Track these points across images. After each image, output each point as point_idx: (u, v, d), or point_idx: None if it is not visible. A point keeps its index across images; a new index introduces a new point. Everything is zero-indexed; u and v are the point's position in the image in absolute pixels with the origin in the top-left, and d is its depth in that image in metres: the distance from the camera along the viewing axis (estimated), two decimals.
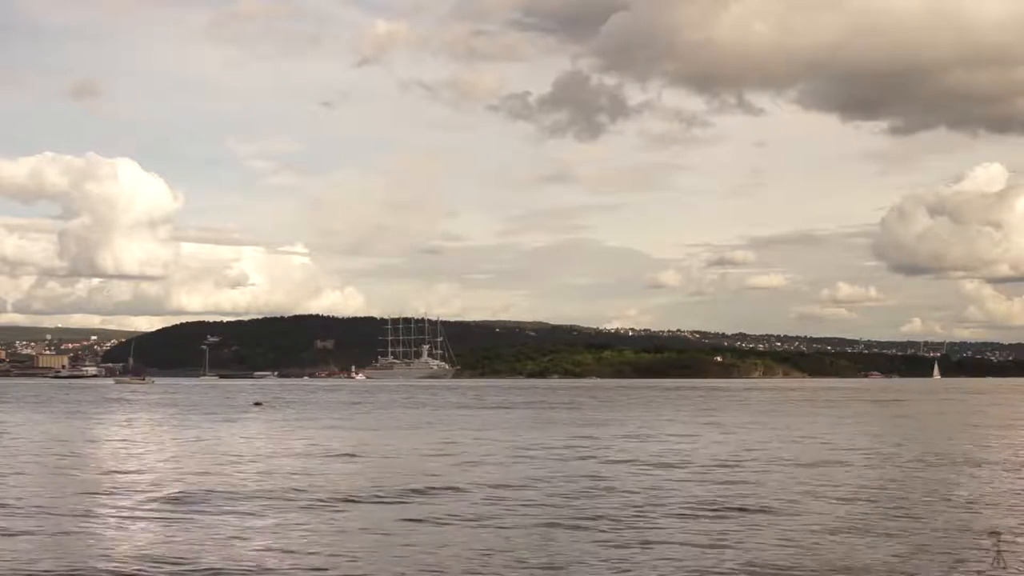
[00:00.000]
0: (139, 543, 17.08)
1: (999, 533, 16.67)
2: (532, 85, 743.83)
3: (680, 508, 20.68)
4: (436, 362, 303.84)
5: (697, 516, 19.67)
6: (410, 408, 78.05)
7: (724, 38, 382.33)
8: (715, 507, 20.78)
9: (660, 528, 18.33)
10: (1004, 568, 14.64)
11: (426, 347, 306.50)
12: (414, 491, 23.41)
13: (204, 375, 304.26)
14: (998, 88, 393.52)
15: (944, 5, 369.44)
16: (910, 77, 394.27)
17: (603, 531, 17.97)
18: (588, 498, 22.32)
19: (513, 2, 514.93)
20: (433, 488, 23.97)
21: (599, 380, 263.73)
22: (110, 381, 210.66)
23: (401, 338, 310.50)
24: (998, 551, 15.18)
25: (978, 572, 14.62)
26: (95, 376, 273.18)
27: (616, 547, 16.49)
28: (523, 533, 17.72)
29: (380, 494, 23.02)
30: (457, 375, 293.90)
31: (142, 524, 19.19)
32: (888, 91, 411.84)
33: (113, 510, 20.90)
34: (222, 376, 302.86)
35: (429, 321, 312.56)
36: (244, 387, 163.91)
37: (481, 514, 19.99)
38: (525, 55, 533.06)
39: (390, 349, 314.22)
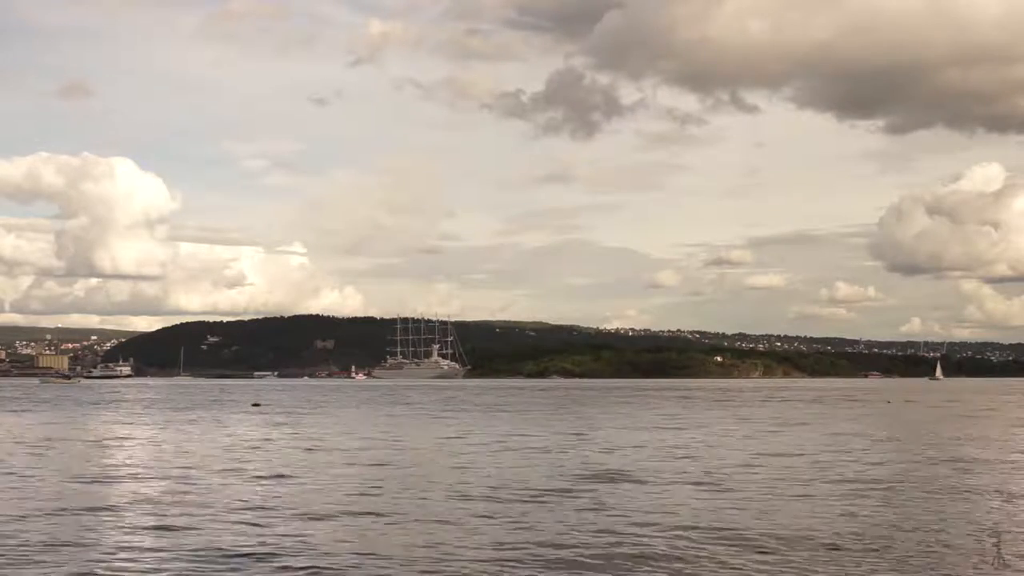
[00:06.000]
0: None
1: (999, 533, 16.71)
2: (527, 84, 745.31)
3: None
4: (447, 362, 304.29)
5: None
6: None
7: (719, 36, 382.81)
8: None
9: None
10: (1004, 568, 14.68)
11: (436, 347, 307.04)
12: None
13: (180, 375, 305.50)
14: (996, 87, 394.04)
15: (941, 3, 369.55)
16: (907, 75, 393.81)
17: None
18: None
19: (507, 1, 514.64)
20: None
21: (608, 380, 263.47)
22: (144, 379, 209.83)
23: (411, 338, 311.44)
24: (998, 551, 15.22)
25: (978, 572, 14.65)
26: (129, 376, 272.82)
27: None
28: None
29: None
30: (468, 375, 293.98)
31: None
32: (885, 89, 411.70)
33: None
34: (196, 375, 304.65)
35: (440, 321, 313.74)
36: (186, 387, 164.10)
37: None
38: (520, 54, 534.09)
39: (399, 349, 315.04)
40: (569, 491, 23.43)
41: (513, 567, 15.10)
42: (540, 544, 16.73)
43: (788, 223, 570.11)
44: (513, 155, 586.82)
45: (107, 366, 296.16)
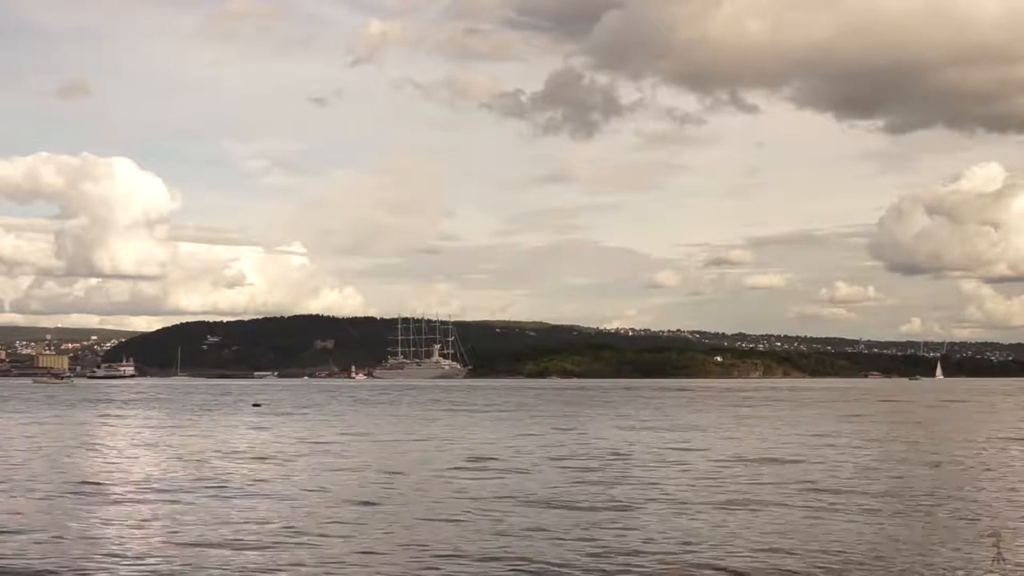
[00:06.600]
0: None
1: (999, 533, 16.63)
2: (527, 84, 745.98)
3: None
4: (448, 362, 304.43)
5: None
6: None
7: (718, 36, 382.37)
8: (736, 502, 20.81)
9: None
10: (1004, 568, 14.60)
11: (436, 347, 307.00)
12: None
13: (176, 375, 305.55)
14: (995, 86, 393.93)
15: (941, 3, 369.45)
16: (906, 75, 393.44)
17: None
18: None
19: (506, 1, 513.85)
20: None
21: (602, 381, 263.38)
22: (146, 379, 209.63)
23: (412, 338, 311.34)
24: (998, 551, 15.14)
25: (978, 572, 14.57)
26: (132, 376, 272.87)
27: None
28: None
29: None
30: (469, 375, 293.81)
31: None
32: (884, 89, 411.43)
33: None
34: (194, 375, 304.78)
35: (440, 321, 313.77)
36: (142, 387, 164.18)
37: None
38: (519, 54, 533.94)
39: (400, 349, 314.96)
40: (566, 496, 23.36)
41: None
42: (530, 556, 16.67)
43: (788, 223, 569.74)
44: (513, 155, 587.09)
45: (110, 366, 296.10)
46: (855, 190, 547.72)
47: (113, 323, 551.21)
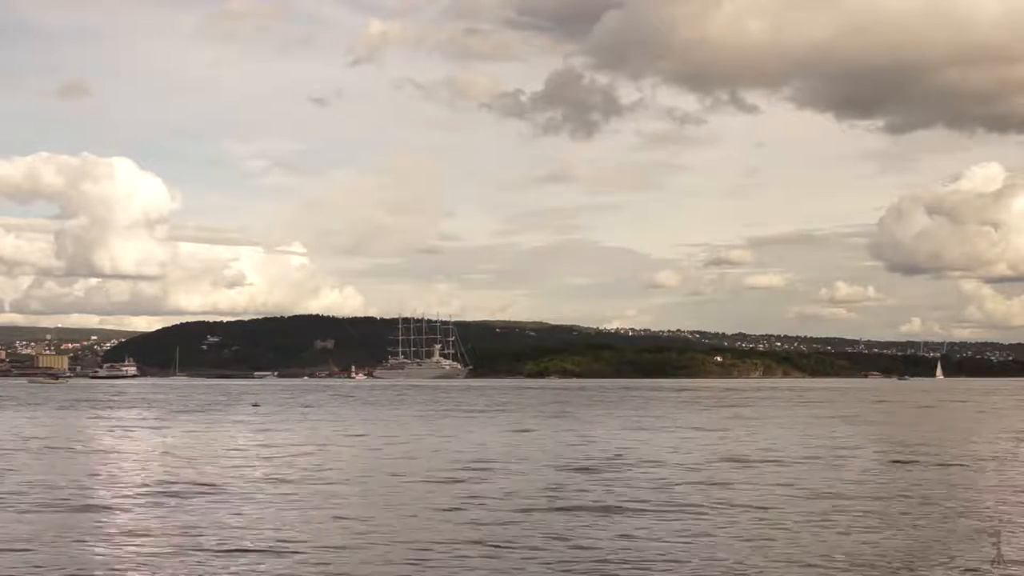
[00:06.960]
0: None
1: (999, 533, 16.64)
2: (527, 84, 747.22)
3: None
4: (448, 362, 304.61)
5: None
6: None
7: (718, 36, 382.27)
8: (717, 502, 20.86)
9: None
10: (1004, 568, 14.61)
11: (437, 347, 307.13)
12: None
13: (176, 375, 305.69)
14: (995, 86, 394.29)
15: (940, 3, 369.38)
16: (906, 75, 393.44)
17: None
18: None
19: (506, 1, 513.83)
20: None
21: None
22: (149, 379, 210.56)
23: (412, 338, 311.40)
24: (998, 551, 15.15)
25: (978, 572, 14.58)
26: (135, 376, 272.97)
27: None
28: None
29: None
30: (470, 375, 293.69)
31: None
32: (884, 89, 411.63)
33: None
34: (193, 375, 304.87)
35: (441, 321, 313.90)
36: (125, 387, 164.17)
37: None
38: (519, 54, 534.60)
39: (400, 349, 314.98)
40: (566, 498, 23.38)
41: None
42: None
43: (788, 223, 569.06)
44: (513, 155, 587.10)
45: (112, 366, 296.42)
46: (855, 190, 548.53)
47: (113, 323, 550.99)
